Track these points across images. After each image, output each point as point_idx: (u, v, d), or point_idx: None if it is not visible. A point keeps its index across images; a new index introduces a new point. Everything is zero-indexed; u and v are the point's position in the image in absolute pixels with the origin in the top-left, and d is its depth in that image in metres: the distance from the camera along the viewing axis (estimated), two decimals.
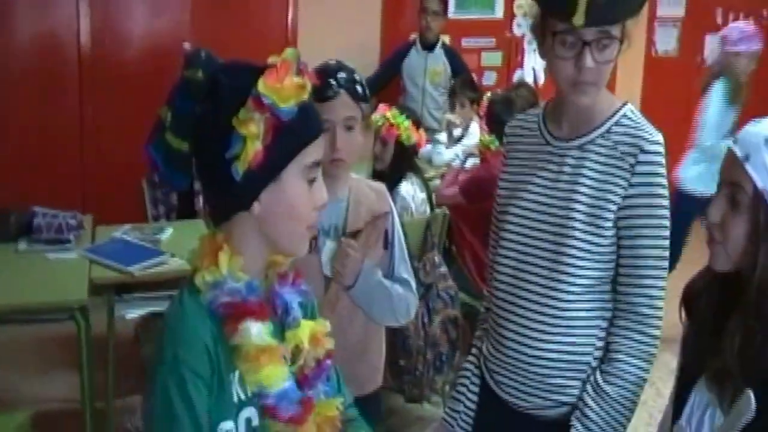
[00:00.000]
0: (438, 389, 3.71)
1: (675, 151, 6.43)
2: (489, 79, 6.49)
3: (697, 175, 4.67)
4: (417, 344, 3.66)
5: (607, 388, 1.73)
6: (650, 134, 1.72)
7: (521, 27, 6.44)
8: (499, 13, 6.51)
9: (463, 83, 5.33)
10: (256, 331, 1.30)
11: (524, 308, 1.79)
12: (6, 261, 3.46)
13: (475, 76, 5.93)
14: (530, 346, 1.79)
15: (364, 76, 2.18)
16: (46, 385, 4.06)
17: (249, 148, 1.25)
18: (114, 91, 5.28)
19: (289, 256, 1.44)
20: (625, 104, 1.79)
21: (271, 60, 1.28)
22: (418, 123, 4.00)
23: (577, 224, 1.73)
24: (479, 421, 1.97)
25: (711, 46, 6.33)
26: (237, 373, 1.31)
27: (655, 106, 7.10)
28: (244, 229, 1.35)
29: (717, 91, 4.68)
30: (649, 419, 3.68)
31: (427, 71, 5.77)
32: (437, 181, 4.59)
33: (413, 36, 5.89)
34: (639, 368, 1.73)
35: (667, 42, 7.31)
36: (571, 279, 1.74)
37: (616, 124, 1.75)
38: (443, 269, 3.71)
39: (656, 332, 1.74)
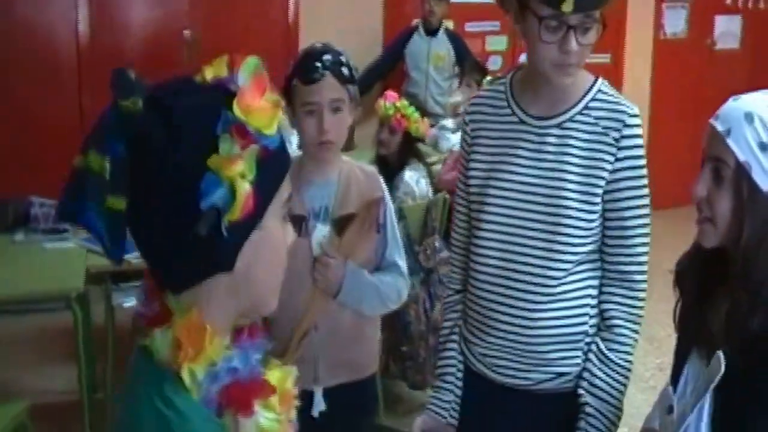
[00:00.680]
0: None
1: (685, 134, 6.36)
2: (494, 63, 6.42)
3: None
4: (419, 330, 3.66)
5: (612, 355, 1.78)
6: (629, 108, 1.77)
7: None
8: None
9: (472, 66, 5.30)
10: (270, 414, 1.07)
11: (517, 289, 1.79)
12: (3, 251, 3.49)
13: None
14: (526, 326, 1.79)
15: (350, 58, 2.16)
16: (45, 376, 4.06)
17: (239, 191, 0.97)
18: None
19: (255, 316, 1.14)
20: (597, 79, 1.82)
21: (209, 72, 1.03)
22: (422, 111, 4.05)
23: (570, 202, 1.75)
24: (467, 407, 1.96)
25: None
26: None
27: (666, 90, 7.04)
28: (217, 294, 1.04)
29: None
30: None
31: (431, 56, 5.74)
32: (440, 166, 4.56)
33: (416, 21, 5.85)
34: (634, 331, 1.81)
35: (675, 24, 7.22)
36: (566, 256, 1.76)
37: (593, 99, 1.79)
38: (444, 254, 3.68)
39: (644, 295, 1.81)
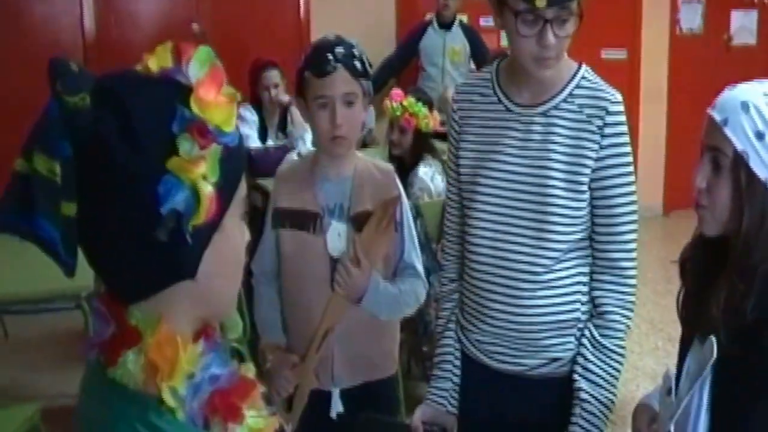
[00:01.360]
0: None
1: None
2: None
3: None
4: None
5: (604, 341, 1.81)
6: (612, 95, 1.79)
7: None
8: None
9: (493, 58, 5.24)
10: (254, 413, 1.03)
11: (509, 277, 1.82)
12: (11, 250, 3.36)
13: None
14: (518, 312, 1.82)
15: (364, 51, 2.12)
16: (57, 378, 4.02)
17: (203, 195, 0.90)
18: None
19: (215, 322, 1.06)
20: (581, 66, 1.84)
21: (153, 62, 0.94)
22: (430, 105, 4.01)
23: (556, 191, 1.77)
24: (466, 394, 1.97)
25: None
26: None
27: (682, 86, 6.96)
28: (180, 302, 0.97)
29: None
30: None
31: (446, 50, 5.71)
32: None
33: (429, 15, 5.80)
34: (626, 317, 1.84)
35: (691, 20, 7.16)
36: (555, 244, 1.79)
37: (577, 86, 1.80)
38: None
39: (634, 281, 1.85)
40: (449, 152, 1.99)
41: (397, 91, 4.01)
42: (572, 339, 1.84)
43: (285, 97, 4.71)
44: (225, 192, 0.94)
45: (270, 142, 4.77)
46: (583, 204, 1.79)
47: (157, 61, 0.94)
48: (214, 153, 0.91)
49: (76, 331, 3.66)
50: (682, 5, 7.11)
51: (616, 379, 1.83)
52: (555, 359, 1.85)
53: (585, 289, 1.84)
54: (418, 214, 3.37)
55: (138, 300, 0.95)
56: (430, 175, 3.83)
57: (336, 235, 2.11)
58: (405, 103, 3.85)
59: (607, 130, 1.75)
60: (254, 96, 4.79)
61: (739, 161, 1.41)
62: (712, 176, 1.45)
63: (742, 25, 7.26)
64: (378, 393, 2.21)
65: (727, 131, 1.41)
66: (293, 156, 4.29)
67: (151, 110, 0.90)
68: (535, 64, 1.74)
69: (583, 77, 1.81)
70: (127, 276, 0.94)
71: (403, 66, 5.69)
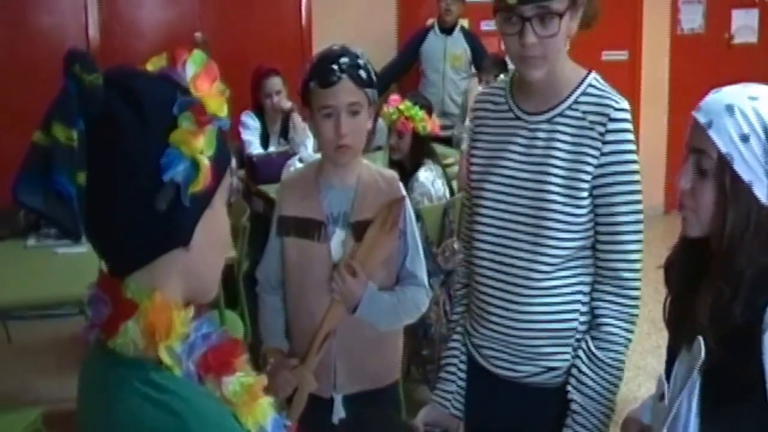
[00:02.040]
0: None
1: None
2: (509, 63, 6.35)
3: None
4: (440, 332, 3.64)
5: (600, 354, 1.78)
6: (616, 101, 1.75)
7: None
8: None
9: (492, 63, 5.25)
10: (242, 373, 1.11)
11: (507, 282, 1.81)
12: (15, 257, 3.50)
13: None
14: (516, 318, 1.81)
15: (370, 61, 2.13)
16: (61, 383, 3.99)
17: (202, 163, 1.01)
18: None
19: (199, 301, 1.13)
20: (589, 73, 1.81)
21: (150, 67, 1.06)
22: (429, 109, 4.00)
23: (554, 197, 1.75)
24: (470, 398, 1.97)
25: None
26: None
27: (684, 85, 6.95)
28: (173, 273, 1.07)
29: None
30: None
31: (447, 56, 5.71)
32: (456, 168, 4.50)
33: (431, 21, 5.81)
34: (625, 330, 1.79)
35: (692, 19, 7.16)
36: (552, 251, 1.77)
37: (583, 93, 1.77)
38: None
39: (637, 293, 1.80)
40: (467, 161, 2.00)
41: (394, 97, 4.01)
42: (569, 349, 1.81)
43: (286, 104, 4.73)
44: (217, 170, 1.05)
45: (272, 148, 4.79)
46: (583, 211, 1.75)
47: (152, 66, 1.07)
48: (211, 131, 1.03)
49: (78, 335, 3.67)
50: (682, 5, 7.11)
51: (611, 392, 1.79)
52: (551, 368, 1.82)
53: (585, 299, 1.81)
54: (418, 218, 3.38)
55: (135, 269, 1.04)
56: (431, 179, 3.83)
57: (340, 243, 2.12)
58: (401, 107, 3.84)
59: (609, 137, 1.72)
60: (256, 103, 4.82)
61: (724, 163, 1.40)
62: (696, 178, 1.45)
63: (744, 24, 7.25)
64: (379, 399, 2.21)
65: (712, 133, 1.41)
66: (295, 161, 4.30)
67: (156, 94, 1.01)
68: (521, 63, 1.73)
69: (590, 85, 1.78)
70: (126, 243, 1.03)
71: (405, 71, 5.70)
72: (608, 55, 6.65)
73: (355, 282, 2.07)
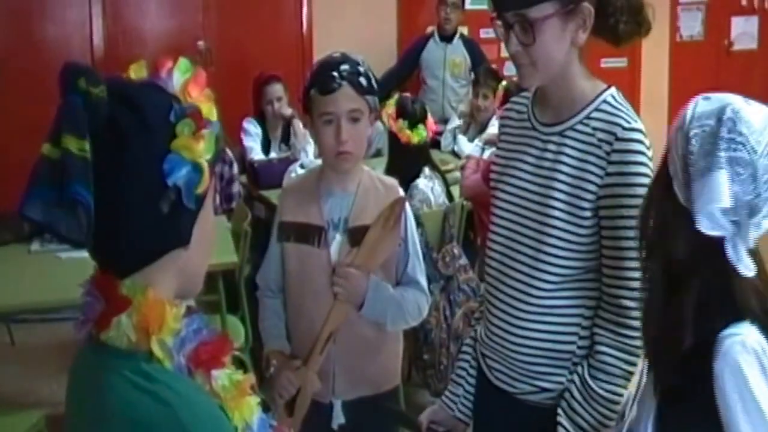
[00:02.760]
0: None
1: None
2: (510, 69, 6.35)
3: None
4: (440, 337, 3.64)
5: (593, 383, 1.70)
6: (627, 121, 1.66)
7: None
8: None
9: (486, 73, 5.27)
10: (230, 370, 1.14)
11: (509, 295, 1.79)
12: (19, 261, 3.52)
13: (495, 67, 5.85)
14: (514, 333, 1.78)
15: (371, 68, 2.15)
16: (63, 386, 4.00)
17: (204, 166, 1.06)
18: None
19: (187, 297, 1.18)
20: (608, 89, 1.74)
21: (133, 75, 1.09)
22: (424, 114, 3.89)
23: (556, 212, 1.70)
24: (476, 404, 1.97)
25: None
26: None
27: (683, 92, 6.97)
28: (168, 272, 1.11)
29: None
30: None
31: (447, 63, 5.74)
32: (457, 174, 4.53)
33: (430, 29, 5.84)
34: (623, 361, 1.69)
35: (691, 26, 7.19)
36: (552, 269, 1.71)
37: (597, 109, 1.70)
38: (463, 261, 3.69)
39: (638, 324, 1.65)
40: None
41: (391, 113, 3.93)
42: (565, 372, 1.76)
43: (287, 111, 4.76)
44: (212, 171, 1.09)
45: (273, 154, 4.81)
46: (585, 232, 1.68)
47: (134, 74, 1.10)
48: (211, 134, 1.07)
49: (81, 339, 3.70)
50: (681, 12, 7.14)
51: (601, 424, 1.69)
52: (545, 389, 1.78)
53: (586, 323, 1.74)
54: (419, 224, 3.40)
55: (137, 268, 1.08)
56: (430, 186, 3.82)
57: (339, 249, 2.13)
58: (394, 128, 3.78)
59: (614, 157, 1.63)
60: (258, 109, 4.85)
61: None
62: None
63: (743, 31, 7.27)
64: (379, 404, 2.22)
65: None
66: (296, 167, 4.33)
67: (155, 101, 1.05)
68: (516, 69, 1.72)
69: (605, 101, 1.70)
70: (130, 246, 1.07)
71: (405, 79, 5.72)
72: (607, 63, 6.67)
73: (358, 276, 2.08)
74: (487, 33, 6.27)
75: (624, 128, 1.64)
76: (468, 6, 6.06)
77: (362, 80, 2.08)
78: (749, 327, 1.31)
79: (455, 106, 5.68)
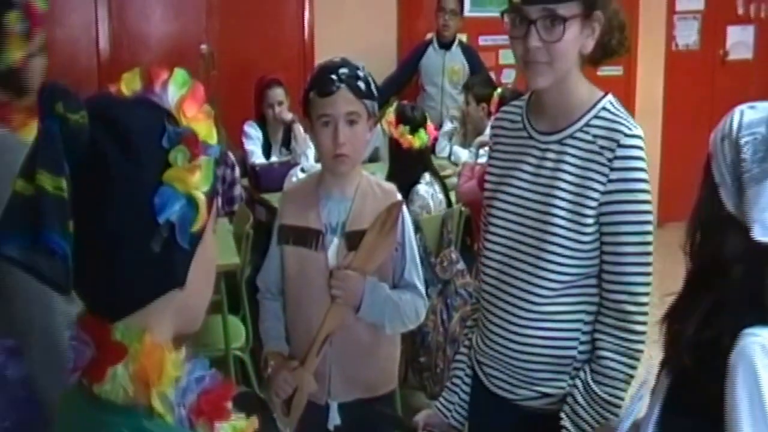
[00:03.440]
0: None
1: (698, 145, 6.32)
2: (508, 77, 6.42)
3: None
4: (437, 341, 3.67)
5: (596, 387, 1.71)
6: (628, 128, 1.68)
7: None
8: None
9: (481, 80, 5.30)
10: (233, 417, 1.06)
11: (508, 302, 1.79)
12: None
13: (493, 74, 5.91)
14: (514, 340, 1.79)
15: (371, 74, 2.18)
16: None
17: (200, 201, 0.93)
18: None
19: (187, 332, 1.07)
20: (605, 96, 1.75)
21: (125, 87, 0.97)
22: (423, 120, 3.93)
23: (557, 220, 1.70)
24: (472, 411, 1.97)
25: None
26: None
27: (678, 102, 7.02)
28: (161, 312, 0.98)
29: None
30: None
31: (446, 70, 5.75)
32: (455, 179, 4.56)
33: (430, 35, 5.87)
34: (625, 365, 1.71)
35: (687, 36, 7.18)
36: (553, 275, 1.72)
37: (596, 117, 1.71)
38: (461, 266, 3.72)
39: (640, 328, 1.71)
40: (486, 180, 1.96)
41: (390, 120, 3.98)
42: (566, 377, 1.77)
43: (288, 115, 4.79)
44: (210, 202, 0.97)
45: (274, 158, 4.84)
46: (587, 238, 1.69)
47: (126, 86, 0.97)
48: (208, 163, 0.94)
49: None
50: (677, 21, 7.10)
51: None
52: (546, 394, 1.79)
53: (587, 328, 1.75)
54: (417, 228, 3.45)
55: (128, 314, 0.96)
56: (430, 192, 3.86)
57: (336, 252, 2.16)
58: (395, 134, 3.82)
59: (617, 164, 1.65)
60: (259, 112, 4.89)
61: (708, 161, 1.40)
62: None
63: (739, 40, 7.25)
64: (374, 408, 2.25)
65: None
66: (297, 171, 4.38)
67: (144, 128, 0.92)
68: (527, 69, 1.68)
69: (604, 108, 1.72)
70: (119, 289, 0.94)
71: (404, 85, 5.73)
72: (603, 71, 6.67)
73: (355, 278, 2.10)
74: (485, 40, 6.31)
75: (626, 135, 1.66)
76: (467, 13, 6.07)
77: (360, 84, 2.11)
78: None
79: (454, 113, 5.71)
